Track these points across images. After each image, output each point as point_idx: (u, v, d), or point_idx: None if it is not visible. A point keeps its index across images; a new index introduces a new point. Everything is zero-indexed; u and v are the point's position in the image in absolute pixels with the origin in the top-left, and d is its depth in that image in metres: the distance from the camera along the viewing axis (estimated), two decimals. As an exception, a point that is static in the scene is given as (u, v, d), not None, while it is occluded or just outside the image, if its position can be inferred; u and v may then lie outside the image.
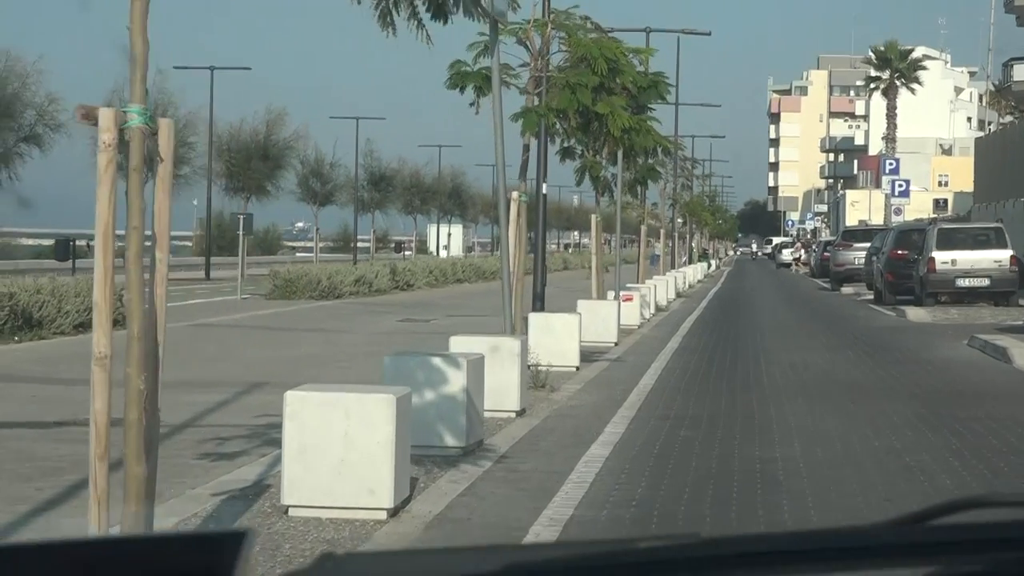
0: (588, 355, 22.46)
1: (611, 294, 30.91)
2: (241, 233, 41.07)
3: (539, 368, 18.00)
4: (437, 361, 12.54)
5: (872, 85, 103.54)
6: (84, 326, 24.09)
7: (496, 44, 15.23)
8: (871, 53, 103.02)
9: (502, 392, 15.21)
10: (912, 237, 41.17)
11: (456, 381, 12.34)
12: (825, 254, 69.91)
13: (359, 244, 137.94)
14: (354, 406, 9.48)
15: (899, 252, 40.42)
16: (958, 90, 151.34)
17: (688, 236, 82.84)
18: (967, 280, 35.40)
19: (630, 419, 14.92)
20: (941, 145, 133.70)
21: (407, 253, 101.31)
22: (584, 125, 18.82)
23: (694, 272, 65.28)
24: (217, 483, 10.42)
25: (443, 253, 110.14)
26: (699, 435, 13.58)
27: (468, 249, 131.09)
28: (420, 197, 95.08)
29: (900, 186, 70.07)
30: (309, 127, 78.82)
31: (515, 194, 19.04)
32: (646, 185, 28.43)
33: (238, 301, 40.28)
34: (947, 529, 1.82)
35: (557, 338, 20.03)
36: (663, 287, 41.14)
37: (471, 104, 16.76)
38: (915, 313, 33.46)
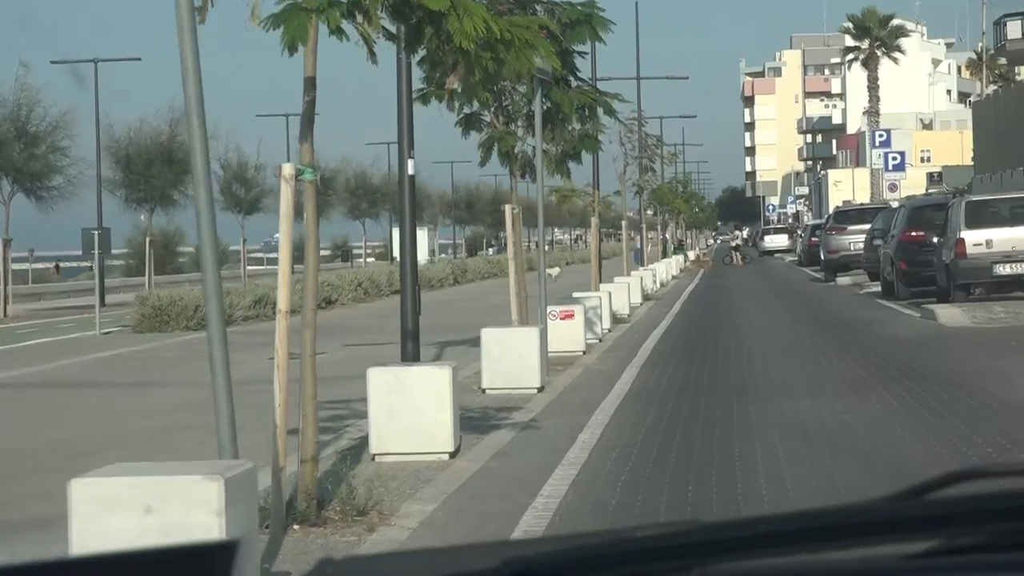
0: (484, 419, 14.73)
1: (549, 310, 23.18)
2: (97, 252, 33.07)
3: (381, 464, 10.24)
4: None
5: (851, 56, 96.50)
6: None
7: None
8: (848, 23, 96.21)
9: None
10: (927, 215, 33.47)
11: None
12: (813, 239, 62.41)
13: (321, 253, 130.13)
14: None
15: (914, 234, 32.69)
16: (936, 62, 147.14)
17: (660, 227, 75.01)
18: (1008, 266, 27.56)
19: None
20: (921, 120, 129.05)
21: (361, 261, 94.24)
22: (414, 34, 11.05)
23: (667, 268, 57.45)
24: None
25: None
26: None
27: (432, 253, 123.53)
28: (368, 200, 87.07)
29: (894, 159, 62.62)
30: (219, 126, 70.97)
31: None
32: (579, 159, 20.59)
33: (96, 338, 32.41)
34: (946, 502, 1.84)
35: (414, 409, 12.21)
36: (623, 292, 33.34)
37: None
38: (947, 314, 25.62)
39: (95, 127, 51.36)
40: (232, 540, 1.58)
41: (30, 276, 68.67)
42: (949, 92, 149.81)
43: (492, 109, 20.28)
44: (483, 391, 17.52)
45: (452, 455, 12.20)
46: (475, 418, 15.07)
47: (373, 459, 12.15)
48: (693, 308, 36.27)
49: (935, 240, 30.85)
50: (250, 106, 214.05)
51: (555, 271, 63.95)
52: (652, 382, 18.09)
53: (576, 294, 27.17)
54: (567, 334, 23.01)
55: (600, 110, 20.61)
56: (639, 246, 58.10)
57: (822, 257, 50.52)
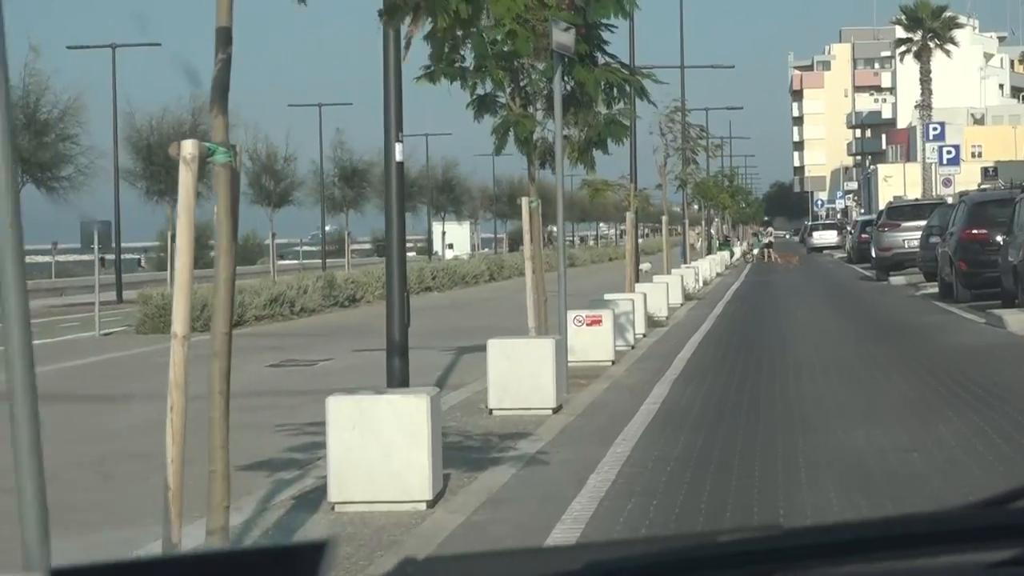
0: (484, 450, 12.47)
1: (574, 315, 20.90)
2: (96, 247, 30.85)
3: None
4: None
5: (903, 48, 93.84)
6: None
7: None
8: (901, 14, 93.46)
9: None
10: (990, 211, 30.95)
11: None
12: (863, 236, 59.83)
13: (355, 247, 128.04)
14: None
15: (975, 232, 30.19)
16: (988, 56, 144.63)
17: (704, 222, 72.53)
18: (1085, 268, 25.00)
19: None
20: (972, 115, 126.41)
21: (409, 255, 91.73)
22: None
23: (710, 266, 54.97)
24: None
25: (448, 254, 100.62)
26: None
27: (473, 248, 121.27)
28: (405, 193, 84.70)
29: (949, 153, 60.00)
30: (241, 113, 68.06)
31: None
32: (605, 147, 18.22)
33: (94, 340, 30.26)
34: None
35: (383, 448, 9.91)
36: (660, 292, 30.96)
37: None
38: (1018, 321, 23.10)
39: (112, 115, 49.32)
40: (323, 540, 1.58)
41: (53, 270, 66.67)
42: (1001, 86, 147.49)
43: (508, 90, 18.04)
44: (490, 412, 15.25)
45: (430, 504, 9.91)
46: (474, 448, 12.82)
47: (332, 508, 9.90)
48: (736, 310, 33.88)
49: (999, 239, 28.37)
50: (281, 95, 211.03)
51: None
52: (684, 402, 15.74)
53: (608, 295, 24.85)
54: (594, 342, 20.74)
55: (630, 90, 18.27)
56: (684, 242, 55.69)
57: (873, 255, 47.97)
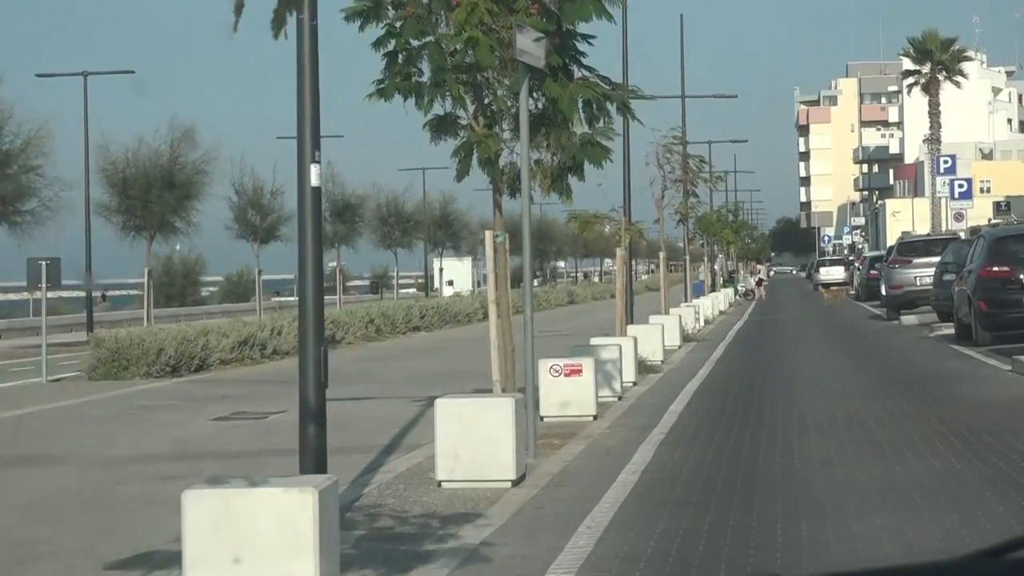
0: (416, 541, 10.11)
1: (550, 364, 18.61)
2: (44, 285, 28.42)
3: None
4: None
5: (910, 81, 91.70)
6: None
7: None
8: (908, 45, 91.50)
9: None
10: (1011, 247, 28.59)
11: None
12: (872, 272, 57.44)
13: (357, 283, 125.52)
14: None
15: (996, 269, 27.79)
16: (996, 91, 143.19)
17: (707, 258, 70.14)
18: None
19: None
20: (981, 149, 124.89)
21: (397, 292, 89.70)
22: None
23: (713, 303, 52.55)
24: None
25: (448, 291, 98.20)
26: None
27: (476, 284, 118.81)
28: (400, 228, 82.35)
29: (960, 187, 57.67)
30: (224, 146, 65.76)
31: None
32: (581, 173, 15.85)
33: (39, 387, 27.85)
34: None
35: (253, 558, 7.55)
36: (655, 334, 28.58)
37: None
38: (1049, 369, 20.74)
39: (84, 146, 47.09)
40: None
41: (31, 307, 64.28)
42: (1010, 121, 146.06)
43: (472, 108, 15.74)
44: (439, 484, 12.88)
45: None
46: (406, 537, 10.47)
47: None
48: (738, 353, 31.48)
49: (1023, 277, 26.04)
50: (270, 127, 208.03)
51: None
52: (670, 471, 13.35)
53: (595, 340, 22.49)
54: (574, 394, 18.39)
55: (614, 108, 15.93)
56: (698, 278, 53.38)
57: (883, 292, 45.56)
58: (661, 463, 13.90)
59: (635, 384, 23.20)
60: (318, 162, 10.62)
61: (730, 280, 79.39)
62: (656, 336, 28.55)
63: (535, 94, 15.63)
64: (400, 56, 15.65)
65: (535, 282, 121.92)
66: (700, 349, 32.75)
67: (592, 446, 15.60)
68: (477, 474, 12.74)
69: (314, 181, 10.58)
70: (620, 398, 20.89)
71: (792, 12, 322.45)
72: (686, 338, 35.59)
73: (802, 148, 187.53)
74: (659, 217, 36.44)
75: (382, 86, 15.65)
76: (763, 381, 23.19)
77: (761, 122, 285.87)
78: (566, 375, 18.32)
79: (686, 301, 45.06)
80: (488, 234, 15.43)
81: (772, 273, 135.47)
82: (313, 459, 10.53)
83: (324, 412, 10.73)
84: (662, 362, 27.99)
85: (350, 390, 25.31)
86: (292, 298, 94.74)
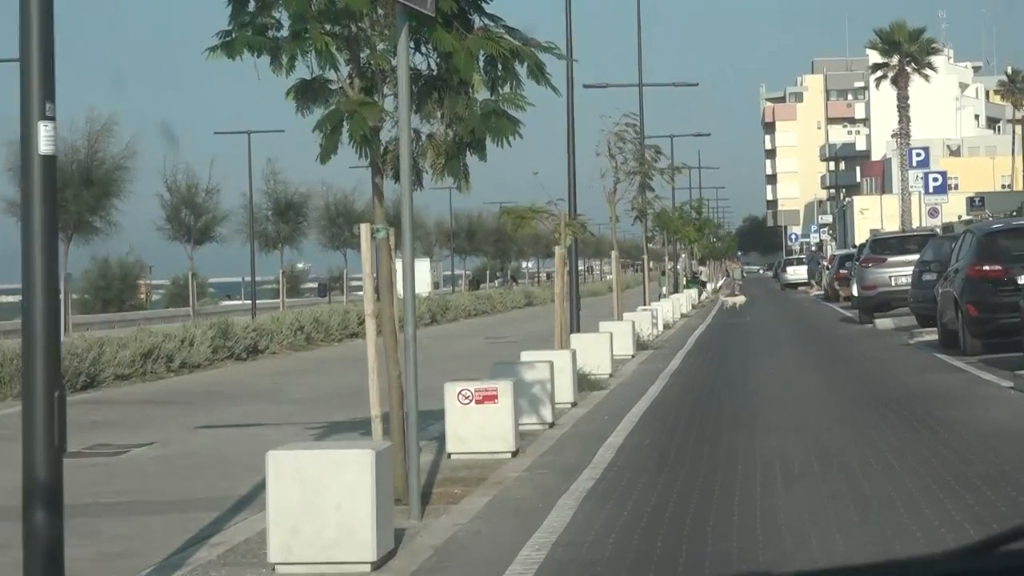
0: None
1: (459, 388, 15.27)
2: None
3: None
4: None
5: (878, 74, 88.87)
6: None
7: None
8: (876, 37, 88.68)
9: None
10: (1003, 244, 25.34)
11: None
12: (841, 271, 54.25)
13: (311, 285, 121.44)
14: None
15: (987, 268, 24.50)
16: (963, 86, 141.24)
17: (667, 257, 66.81)
18: None
19: None
20: (948, 146, 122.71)
21: (357, 294, 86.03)
22: None
23: (674, 306, 49.19)
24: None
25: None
26: None
27: (436, 285, 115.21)
28: (350, 229, 78.78)
29: (935, 180, 54.43)
30: (142, 139, 61.49)
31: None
32: (483, 150, 12.40)
33: None
34: (1019, 555, 1.89)
35: None
36: (603, 344, 25.20)
37: None
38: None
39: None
40: None
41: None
42: (977, 117, 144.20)
43: (348, 68, 12.31)
44: (273, 569, 9.46)
45: None
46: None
47: None
48: (697, 363, 28.12)
49: (1020, 279, 22.79)
50: (208, 123, 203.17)
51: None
52: (591, 541, 9.96)
53: (526, 355, 19.06)
54: (488, 425, 14.98)
55: (523, 68, 12.50)
56: (644, 279, 49.96)
57: (855, 293, 42.31)
58: (581, 527, 10.51)
59: (574, 405, 19.83)
60: (52, 118, 7.18)
61: (694, 280, 76.08)
62: (604, 346, 25.19)
63: (424, 48, 12.24)
64: (251, 1, 12.23)
65: (495, 283, 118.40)
66: (655, 359, 29.39)
67: (499, 499, 12.18)
68: (324, 554, 9.33)
69: (44, 147, 7.13)
70: (552, 424, 17.50)
71: (757, 8, 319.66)
72: (641, 346, 32.24)
73: (768, 146, 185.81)
74: (612, 213, 33.05)
75: (229, 39, 12.22)
76: (722, 403, 19.78)
77: (726, 120, 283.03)
78: (478, 402, 14.92)
79: (644, 304, 41.67)
80: (364, 227, 12.02)
81: (745, 274, 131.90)
82: (42, 561, 7.09)
83: (60, 489, 7.29)
84: (610, 375, 24.65)
85: (241, 412, 21.86)
86: (245, 301, 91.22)
